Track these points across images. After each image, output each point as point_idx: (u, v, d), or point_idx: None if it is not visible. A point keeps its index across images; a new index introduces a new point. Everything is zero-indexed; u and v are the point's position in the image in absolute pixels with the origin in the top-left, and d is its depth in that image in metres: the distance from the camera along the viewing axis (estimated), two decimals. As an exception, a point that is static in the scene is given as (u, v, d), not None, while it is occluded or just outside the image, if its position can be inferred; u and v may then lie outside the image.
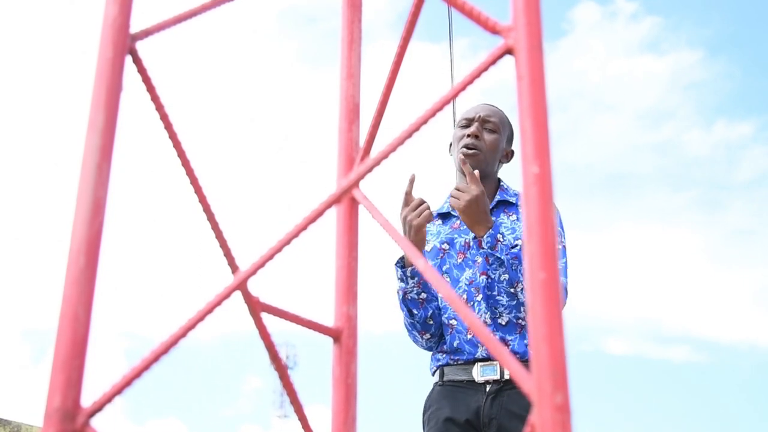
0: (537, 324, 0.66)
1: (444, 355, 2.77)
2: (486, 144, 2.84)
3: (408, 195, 2.62)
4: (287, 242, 0.80)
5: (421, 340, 2.80)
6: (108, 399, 0.75)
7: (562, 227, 2.87)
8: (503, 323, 2.72)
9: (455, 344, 2.74)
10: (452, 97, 0.77)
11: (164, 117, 0.83)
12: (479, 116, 2.87)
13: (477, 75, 0.76)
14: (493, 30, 0.78)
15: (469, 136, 2.83)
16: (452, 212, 2.90)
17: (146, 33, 0.80)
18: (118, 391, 0.76)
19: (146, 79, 0.82)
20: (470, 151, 2.81)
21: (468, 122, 2.89)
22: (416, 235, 2.59)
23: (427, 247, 2.86)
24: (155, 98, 0.83)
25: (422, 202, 2.60)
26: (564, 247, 2.82)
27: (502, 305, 2.72)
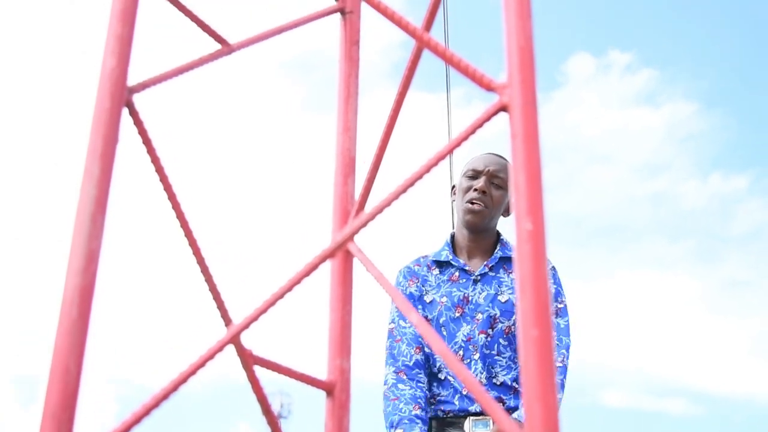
0: (530, 381, 0.65)
1: (432, 407, 2.71)
2: (492, 200, 2.79)
3: None
4: (281, 296, 0.80)
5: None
6: (97, 452, 0.74)
7: (560, 286, 2.83)
8: (498, 383, 2.68)
9: (450, 398, 2.69)
10: (447, 153, 0.78)
11: (160, 169, 0.84)
12: (488, 170, 2.81)
13: (471, 132, 0.77)
14: (488, 87, 0.78)
15: (476, 190, 2.78)
16: (451, 261, 2.84)
17: (143, 86, 0.81)
18: (108, 444, 0.75)
19: (142, 132, 0.82)
20: (476, 208, 2.77)
21: (476, 174, 2.82)
22: None
23: (426, 299, 2.81)
24: (151, 150, 0.83)
25: None
26: (565, 306, 2.78)
27: (500, 365, 2.68)
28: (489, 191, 2.79)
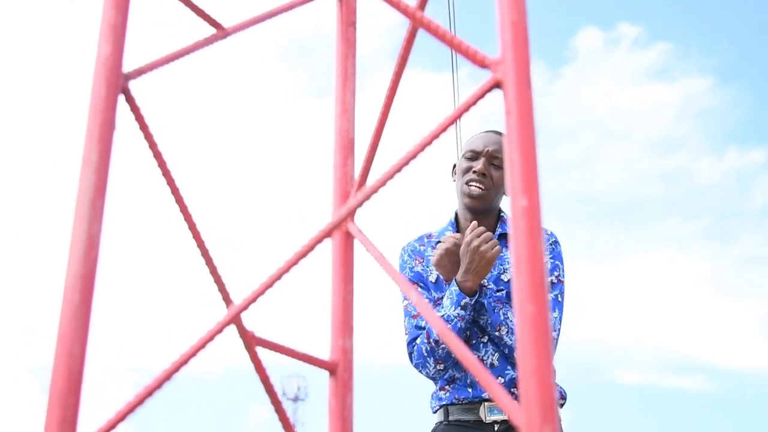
0: (525, 357, 0.66)
1: (447, 394, 2.68)
2: (493, 181, 2.74)
3: (475, 226, 2.55)
4: (279, 276, 0.80)
5: (432, 367, 2.65)
6: (102, 435, 0.75)
7: (561, 260, 2.78)
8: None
9: (464, 384, 2.67)
10: (441, 132, 0.78)
11: (157, 155, 0.84)
12: (487, 150, 2.75)
13: (465, 109, 0.77)
14: (482, 64, 0.78)
15: (475, 171, 2.73)
16: None
17: (139, 72, 0.82)
18: (112, 426, 0.76)
19: (139, 118, 0.83)
20: (475, 192, 2.73)
21: (474, 155, 2.77)
22: (485, 268, 2.53)
23: (432, 279, 2.77)
24: (148, 136, 0.84)
25: (492, 236, 2.54)
26: (562, 282, 2.74)
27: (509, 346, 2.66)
28: (489, 172, 2.74)
